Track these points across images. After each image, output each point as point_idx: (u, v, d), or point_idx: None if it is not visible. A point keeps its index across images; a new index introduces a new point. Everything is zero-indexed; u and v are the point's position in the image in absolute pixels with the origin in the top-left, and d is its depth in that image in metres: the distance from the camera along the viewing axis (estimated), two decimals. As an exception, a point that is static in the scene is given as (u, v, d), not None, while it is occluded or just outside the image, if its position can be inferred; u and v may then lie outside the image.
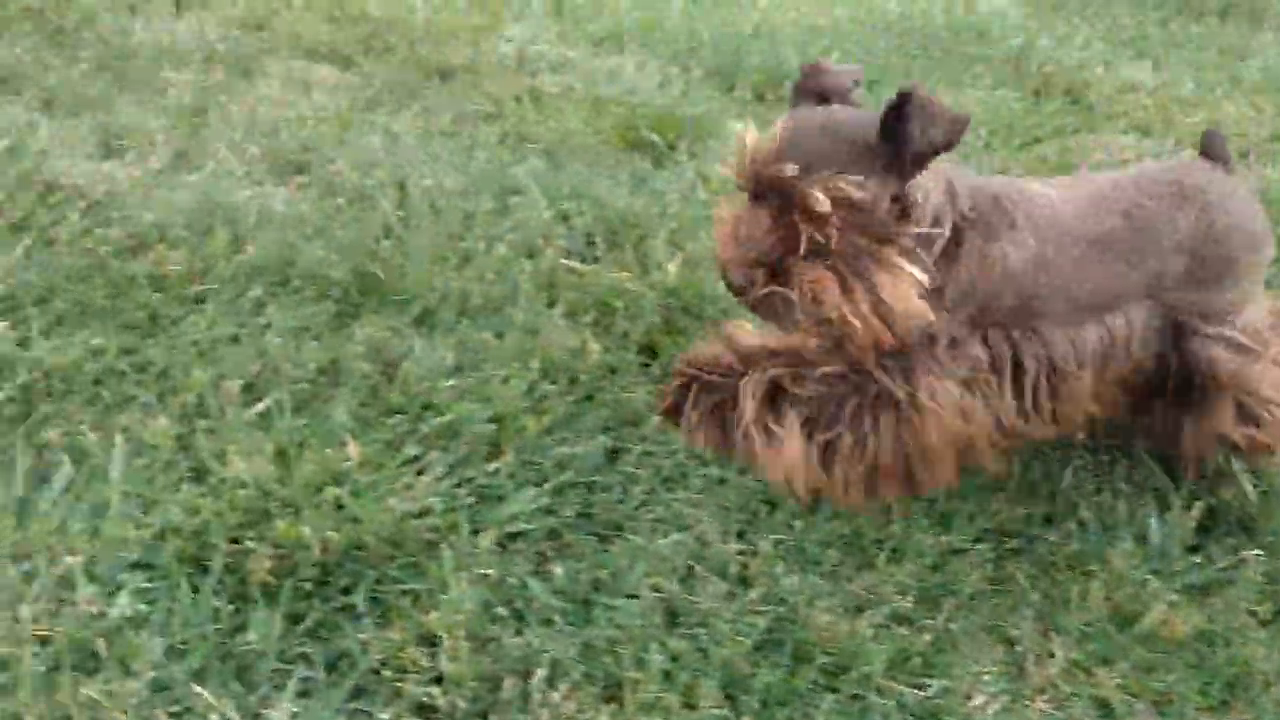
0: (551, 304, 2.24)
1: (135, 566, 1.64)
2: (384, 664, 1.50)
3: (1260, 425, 1.79)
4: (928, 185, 1.59)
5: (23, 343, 2.03)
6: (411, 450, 1.85)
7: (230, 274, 2.21)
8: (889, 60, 3.58)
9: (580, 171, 2.69)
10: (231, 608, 1.57)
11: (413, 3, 3.88)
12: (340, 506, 1.74)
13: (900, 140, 1.47)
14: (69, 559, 1.61)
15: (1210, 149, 1.85)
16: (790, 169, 1.47)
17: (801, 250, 1.50)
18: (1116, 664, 1.57)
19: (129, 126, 2.82)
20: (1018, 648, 1.60)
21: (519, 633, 1.53)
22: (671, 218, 2.49)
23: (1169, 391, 1.80)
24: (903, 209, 1.56)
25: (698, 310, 2.17)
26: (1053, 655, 1.58)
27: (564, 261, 2.33)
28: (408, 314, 2.14)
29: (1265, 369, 1.77)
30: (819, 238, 1.49)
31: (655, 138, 2.86)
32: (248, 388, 1.94)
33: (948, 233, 1.62)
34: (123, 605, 1.57)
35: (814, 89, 1.63)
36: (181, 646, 1.49)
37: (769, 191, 1.52)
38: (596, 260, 2.40)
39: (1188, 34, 4.08)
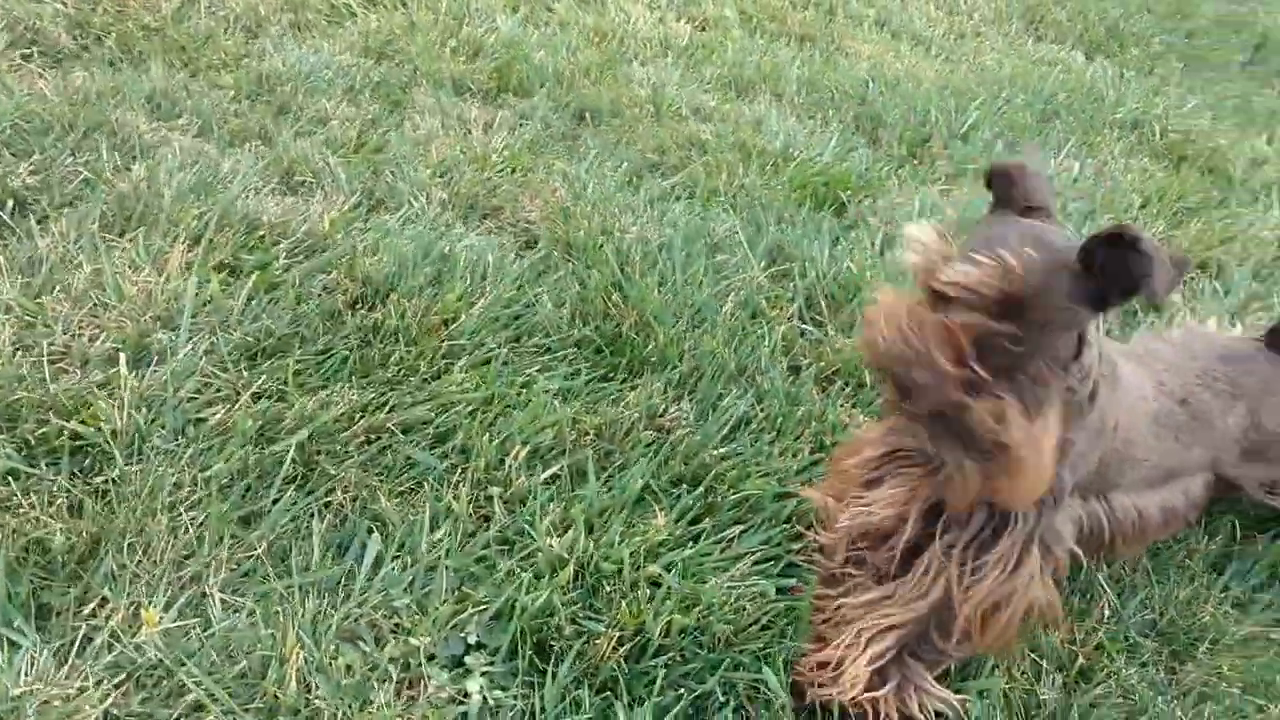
0: (795, 370, 2.21)
1: (476, 648, 1.58)
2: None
3: None
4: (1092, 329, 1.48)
5: (280, 396, 1.95)
6: (705, 524, 1.81)
7: (472, 328, 2.14)
8: (1018, 119, 3.61)
9: (780, 230, 2.66)
10: (594, 696, 1.52)
11: (528, 36, 3.82)
12: (656, 584, 1.69)
13: (1114, 279, 1.35)
14: (412, 640, 1.55)
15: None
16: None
17: (994, 368, 1.36)
18: None
19: (299, 160, 2.74)
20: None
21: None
22: (866, 285, 2.47)
23: None
24: (1078, 348, 1.46)
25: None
26: None
27: (803, 326, 2.30)
28: (664, 378, 2.09)
29: None
30: (1012, 359, 1.37)
31: (844, 196, 2.85)
32: (533, 455, 1.88)
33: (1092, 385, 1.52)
34: (476, 692, 1.51)
35: (1017, 196, 1.51)
36: None
37: (967, 300, 1.38)
38: (821, 324, 2.37)
39: (1277, 103, 4.19)
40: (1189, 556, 1.90)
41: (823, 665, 1.56)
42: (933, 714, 1.54)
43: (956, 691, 1.58)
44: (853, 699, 1.51)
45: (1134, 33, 4.83)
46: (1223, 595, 1.84)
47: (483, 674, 1.54)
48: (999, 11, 4.96)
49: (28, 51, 2.98)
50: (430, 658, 1.55)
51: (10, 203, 2.36)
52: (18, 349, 1.95)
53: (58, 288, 2.12)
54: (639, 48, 3.95)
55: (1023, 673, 1.64)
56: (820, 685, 1.54)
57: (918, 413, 1.41)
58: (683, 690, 1.54)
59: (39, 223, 2.29)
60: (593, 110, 3.32)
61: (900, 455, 1.66)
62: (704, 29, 4.33)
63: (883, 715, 1.51)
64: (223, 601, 1.58)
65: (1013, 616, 1.54)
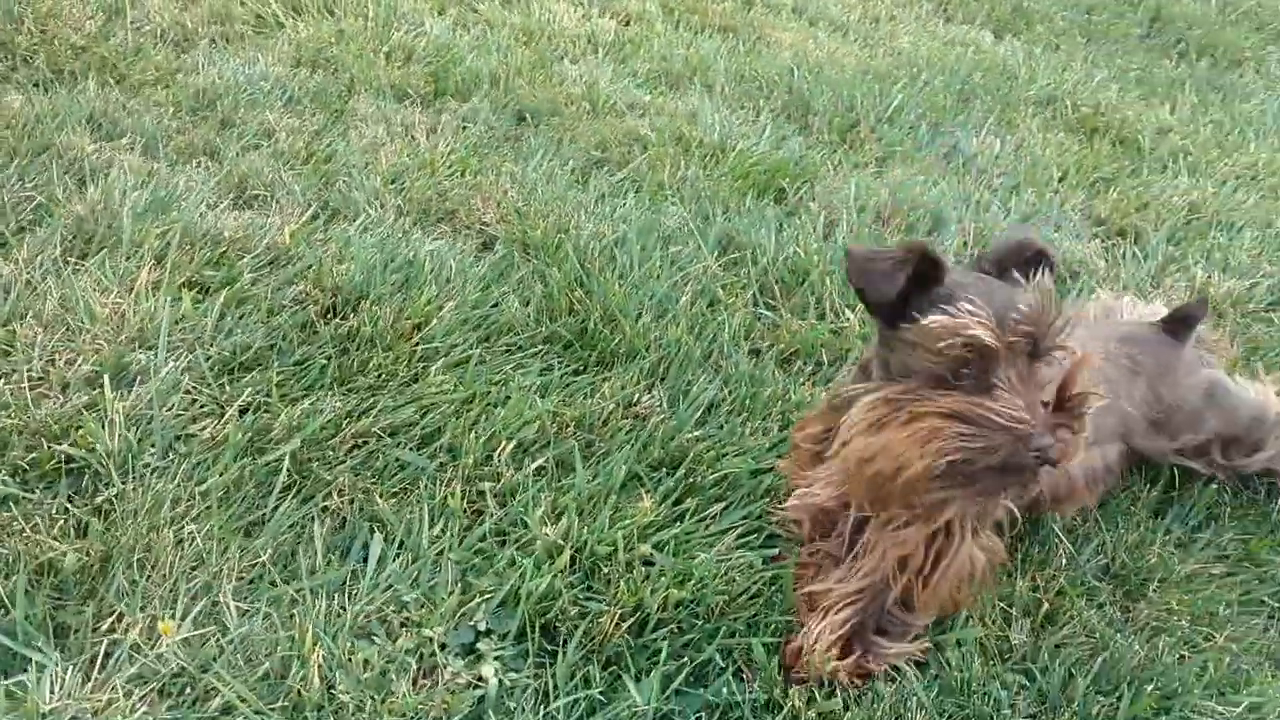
0: (756, 353, 2.32)
1: (485, 634, 1.66)
2: (766, 707, 1.57)
3: None
4: None
5: (263, 408, 2.00)
6: (689, 504, 1.91)
7: (444, 331, 2.21)
8: (938, 101, 3.77)
9: (727, 219, 2.77)
10: (602, 671, 1.61)
11: (459, 39, 3.87)
12: (650, 563, 1.79)
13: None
14: (424, 632, 1.62)
15: (1179, 319, 2.08)
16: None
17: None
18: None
19: (250, 174, 2.77)
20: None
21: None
22: (833, 265, 2.59)
23: None
24: None
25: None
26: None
27: (759, 311, 2.42)
28: (634, 368, 2.19)
29: None
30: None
31: (784, 183, 2.97)
32: (518, 452, 1.96)
33: None
34: (492, 676, 1.59)
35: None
36: (560, 712, 1.53)
37: (1050, 354, 1.48)
38: (775, 308, 2.49)
39: (1179, 74, 4.41)
40: (1133, 504, 2.05)
41: (798, 650, 1.67)
42: (892, 669, 1.66)
43: (935, 643, 1.70)
44: (822, 675, 1.62)
45: (1038, 10, 5.03)
46: (1166, 537, 1.99)
47: (495, 658, 1.62)
48: (909, -6, 5.13)
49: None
50: (443, 646, 1.63)
51: (-33, 230, 2.35)
52: (-5, 377, 1.97)
53: (29, 314, 2.14)
54: (568, 45, 4.03)
55: (994, 620, 1.77)
56: (797, 671, 1.65)
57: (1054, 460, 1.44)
58: (685, 660, 1.64)
59: (15, 239, 2.30)
60: (531, 110, 3.39)
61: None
62: (628, 24, 4.42)
63: (847, 682, 1.63)
64: (237, 609, 1.64)
65: (956, 580, 1.67)
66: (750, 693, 1.62)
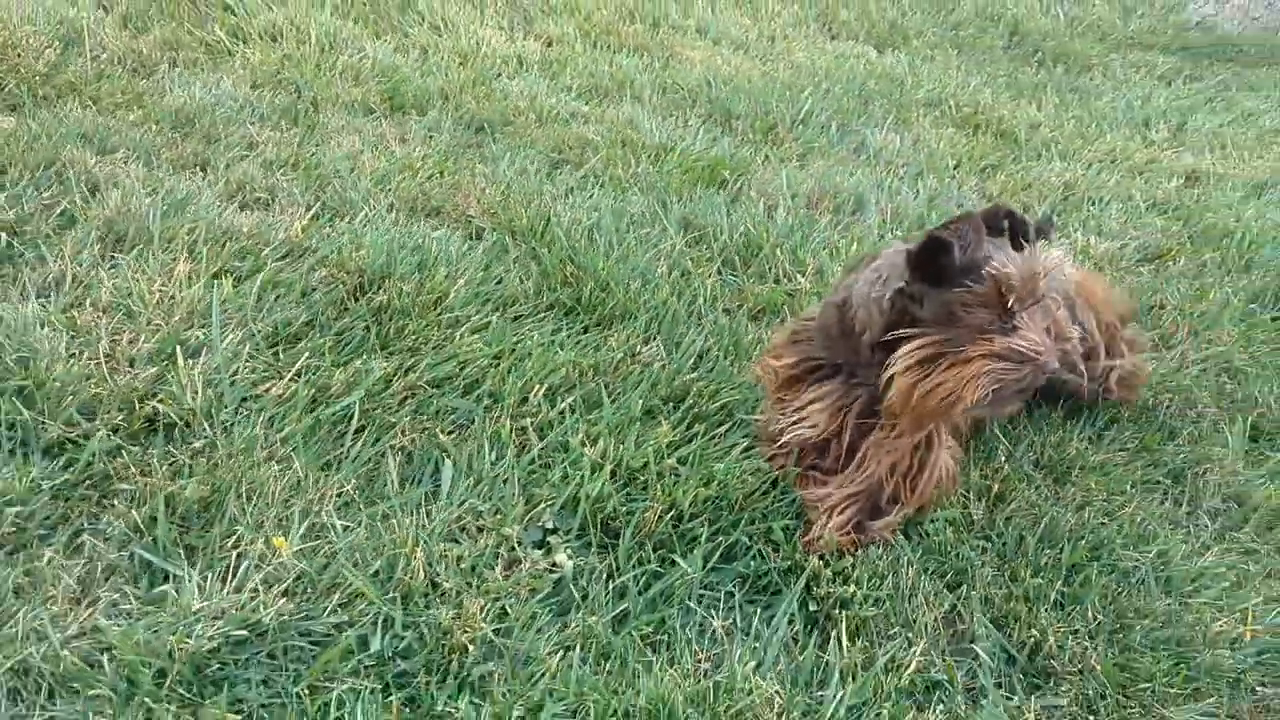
0: (729, 311, 2.71)
1: (553, 532, 1.99)
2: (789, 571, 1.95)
3: None
4: None
5: (318, 370, 2.29)
6: (698, 428, 2.28)
7: (462, 301, 2.53)
8: (842, 104, 4.24)
9: (683, 206, 3.16)
10: (654, 552, 1.96)
11: (402, 62, 4.18)
12: (676, 473, 2.14)
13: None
14: (504, 531, 1.95)
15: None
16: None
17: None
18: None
19: (246, 181, 3.03)
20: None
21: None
22: (779, 238, 3.00)
23: None
24: None
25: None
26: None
27: (728, 278, 2.80)
28: (631, 326, 2.54)
29: None
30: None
31: (725, 175, 3.37)
32: (550, 391, 2.30)
33: None
34: (566, 560, 1.92)
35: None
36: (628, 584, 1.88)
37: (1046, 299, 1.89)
38: (737, 275, 2.88)
39: (1040, 79, 5.01)
40: (1053, 412, 2.50)
41: (809, 540, 2.04)
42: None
43: (917, 522, 2.10)
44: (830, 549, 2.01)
45: (911, 27, 5.60)
46: (1081, 435, 2.44)
47: (566, 549, 1.95)
48: (796, 16, 5.63)
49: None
50: (519, 543, 1.94)
51: (3, 236, 2.57)
52: (71, 356, 2.20)
53: (86, 301, 2.37)
54: (500, 65, 4.37)
55: (958, 502, 2.17)
56: (810, 549, 2.03)
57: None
58: (718, 542, 2.00)
59: (43, 243, 2.52)
60: (486, 121, 3.72)
61: (812, 363, 2.16)
62: (550, 45, 4.79)
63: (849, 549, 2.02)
64: (340, 525, 1.92)
65: (936, 480, 2.08)
66: (774, 563, 1.98)
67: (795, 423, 2.15)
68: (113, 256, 2.56)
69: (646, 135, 3.65)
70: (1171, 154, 4.12)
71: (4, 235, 2.58)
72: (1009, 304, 1.81)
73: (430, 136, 3.49)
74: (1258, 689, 1.89)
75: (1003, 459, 2.32)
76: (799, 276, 2.87)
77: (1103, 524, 2.19)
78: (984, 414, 1.98)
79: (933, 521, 2.11)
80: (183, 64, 3.90)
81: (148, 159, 3.10)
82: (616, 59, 4.62)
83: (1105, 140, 4.18)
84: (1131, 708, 1.81)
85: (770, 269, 2.90)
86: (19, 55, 3.61)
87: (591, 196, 3.16)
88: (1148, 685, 1.84)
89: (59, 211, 2.71)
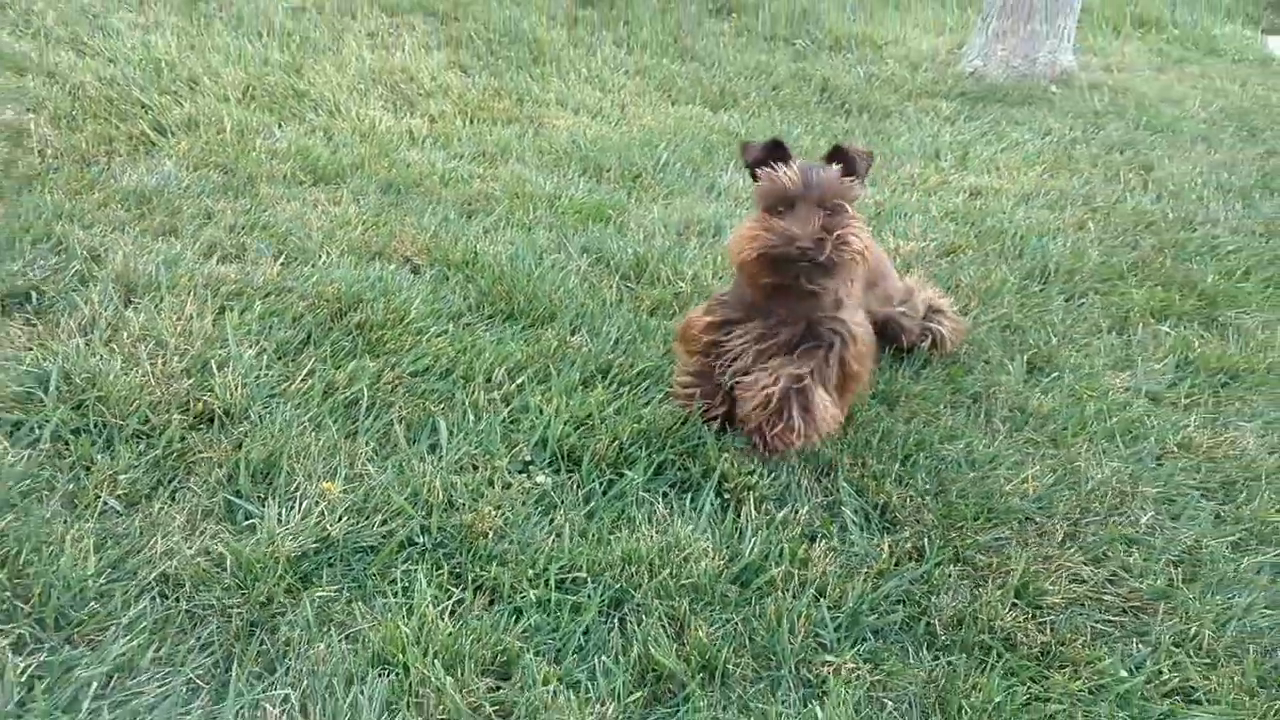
0: (634, 310, 3.46)
1: (531, 463, 2.68)
2: (705, 474, 2.68)
3: None
4: None
5: (323, 372, 2.93)
6: (624, 390, 3.00)
7: (423, 315, 3.21)
8: (692, 154, 5.09)
9: (580, 237, 3.91)
10: (610, 471, 2.67)
11: (310, 143, 4.83)
12: (615, 418, 2.86)
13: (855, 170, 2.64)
14: (495, 464, 2.63)
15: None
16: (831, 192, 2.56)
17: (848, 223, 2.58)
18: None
19: (218, 241, 3.63)
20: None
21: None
22: (660, 256, 3.78)
23: None
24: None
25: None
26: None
27: (627, 286, 3.56)
28: (558, 325, 3.27)
29: None
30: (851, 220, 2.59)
31: (609, 213, 4.14)
32: (508, 374, 2.99)
33: None
34: (543, 482, 2.62)
35: (786, 154, 2.65)
36: (593, 492, 2.59)
37: (829, 205, 2.57)
38: (633, 286, 3.64)
39: (849, 125, 5.99)
40: (883, 360, 3.33)
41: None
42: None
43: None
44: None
45: (737, 91, 6.54)
46: (904, 374, 3.27)
47: (542, 472, 2.64)
48: (640, 87, 6.51)
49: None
50: (508, 471, 2.62)
51: (32, 293, 3.13)
52: (125, 374, 2.79)
53: (124, 334, 2.96)
54: (396, 140, 5.06)
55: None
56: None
57: (820, 259, 2.50)
58: (654, 459, 2.72)
59: (72, 296, 3.09)
60: (398, 184, 4.40)
61: (729, 323, 2.91)
62: (434, 121, 5.50)
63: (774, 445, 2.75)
64: (371, 473, 2.57)
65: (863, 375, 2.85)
66: (694, 469, 2.71)
67: (728, 361, 2.80)
68: (131, 302, 3.14)
69: (537, 187, 4.39)
70: (958, 176, 5.10)
71: (34, 294, 3.12)
72: (783, 197, 2.55)
73: (357, 199, 4.15)
74: (1037, 519, 2.71)
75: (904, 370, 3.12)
76: (680, 282, 3.64)
77: (924, 429, 3.00)
78: (769, 279, 2.60)
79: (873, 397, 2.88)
80: (120, 154, 4.45)
81: (124, 230, 3.66)
82: (494, 130, 5.36)
83: (905, 169, 5.14)
84: (952, 536, 2.60)
85: (657, 279, 3.67)
86: (-29, 154, 4.12)
87: (506, 235, 3.88)
88: (963, 523, 2.64)
89: (72, 273, 3.26)
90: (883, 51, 7.37)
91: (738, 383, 2.80)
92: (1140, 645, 2.37)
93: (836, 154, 2.66)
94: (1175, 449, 3.08)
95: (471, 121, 5.55)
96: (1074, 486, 2.83)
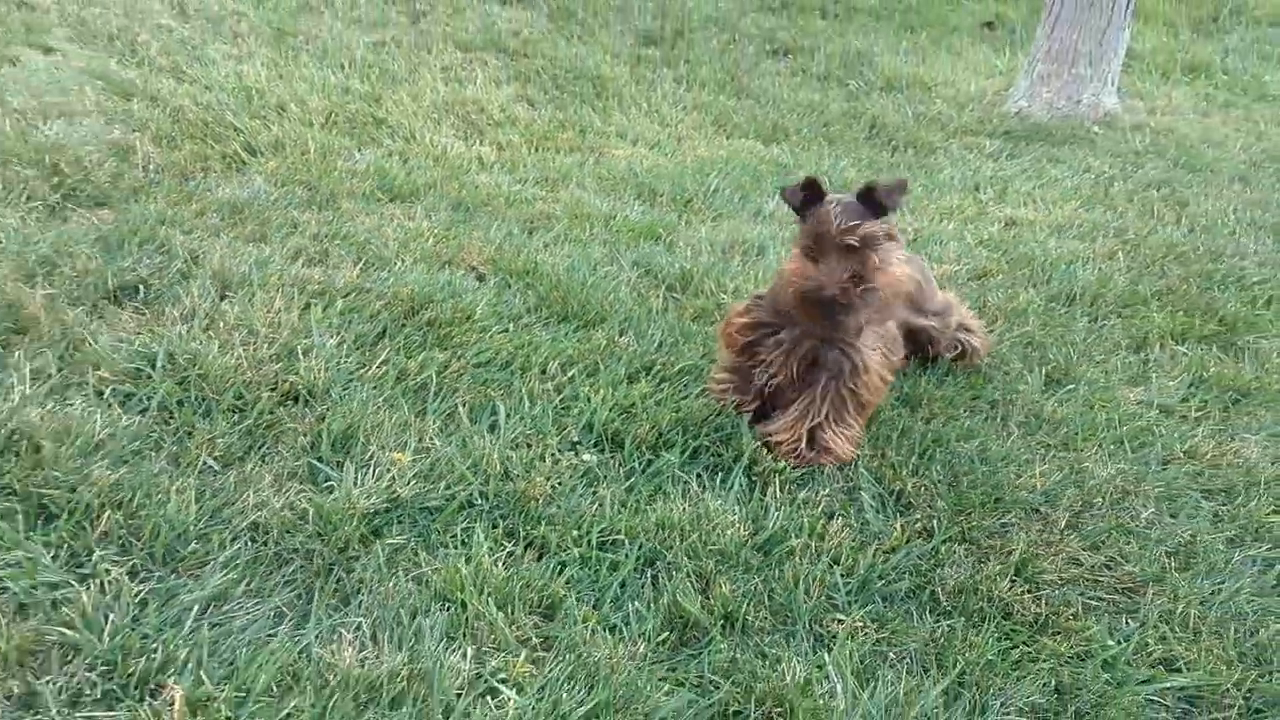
0: (679, 317, 3.76)
1: (578, 443, 2.98)
2: (736, 458, 2.96)
3: None
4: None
5: (396, 361, 3.26)
6: (665, 385, 3.30)
7: (487, 315, 3.54)
8: (741, 181, 5.39)
9: (633, 253, 4.23)
10: (649, 452, 2.96)
11: (388, 165, 5.21)
12: (655, 408, 3.15)
13: (877, 211, 2.83)
14: (548, 442, 2.93)
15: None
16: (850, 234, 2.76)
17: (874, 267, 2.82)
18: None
19: (304, 246, 4.00)
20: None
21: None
22: (705, 271, 4.08)
23: None
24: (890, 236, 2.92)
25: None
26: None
27: (672, 296, 3.86)
28: (608, 327, 3.57)
29: None
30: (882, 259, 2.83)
31: (661, 232, 4.46)
32: (561, 367, 3.30)
33: None
34: (589, 460, 2.91)
35: (821, 193, 2.88)
36: (634, 469, 2.87)
37: (851, 247, 2.77)
38: (678, 296, 3.94)
39: (894, 160, 6.27)
40: (910, 369, 3.58)
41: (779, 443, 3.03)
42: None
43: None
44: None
45: (790, 126, 6.84)
46: (929, 380, 3.52)
47: (589, 451, 2.93)
48: (697, 121, 6.84)
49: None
50: (558, 450, 2.92)
51: (140, 286, 3.50)
52: (222, 356, 3.14)
53: (220, 323, 3.31)
54: (466, 165, 5.43)
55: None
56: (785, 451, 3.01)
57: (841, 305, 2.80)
58: (689, 445, 3.00)
59: (175, 289, 3.46)
60: (467, 204, 4.76)
61: (764, 325, 3.20)
62: (501, 149, 5.87)
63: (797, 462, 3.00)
64: (437, 446, 2.88)
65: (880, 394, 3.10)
66: (726, 454, 2.99)
67: (761, 369, 3.08)
68: (226, 296, 3.51)
69: (594, 209, 4.73)
70: (995, 208, 5.35)
71: (141, 287, 3.50)
72: (815, 242, 2.80)
73: (429, 215, 4.51)
74: (1042, 510, 2.94)
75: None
76: (722, 294, 3.94)
77: (942, 428, 3.25)
78: (805, 314, 2.91)
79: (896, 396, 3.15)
80: (215, 171, 4.86)
81: (219, 235, 4.04)
82: (557, 158, 5.72)
83: (945, 200, 5.40)
84: (960, 520, 2.84)
85: (701, 291, 3.97)
86: (86, 168, 4.54)
87: (563, 249, 4.21)
88: (971, 509, 2.89)
89: (174, 270, 3.64)
90: (932, 92, 7.65)
91: (769, 393, 3.10)
92: (1129, 620, 2.59)
93: (867, 194, 2.83)
94: (1181, 455, 3.29)
95: (536, 150, 5.90)
96: (1079, 484, 3.06)
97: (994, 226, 5.05)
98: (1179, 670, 2.45)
